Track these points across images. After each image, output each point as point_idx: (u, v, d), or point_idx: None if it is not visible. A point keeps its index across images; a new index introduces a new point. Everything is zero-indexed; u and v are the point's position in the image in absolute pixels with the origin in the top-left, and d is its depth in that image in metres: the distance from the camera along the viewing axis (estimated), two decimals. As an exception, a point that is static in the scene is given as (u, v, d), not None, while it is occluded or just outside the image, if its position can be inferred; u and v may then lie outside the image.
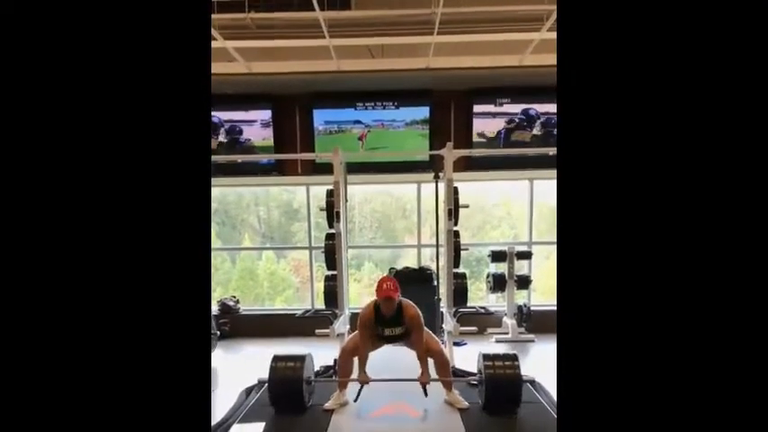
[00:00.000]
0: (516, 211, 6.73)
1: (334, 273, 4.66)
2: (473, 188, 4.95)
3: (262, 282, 6.82)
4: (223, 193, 6.66)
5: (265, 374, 3.45)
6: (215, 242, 6.61)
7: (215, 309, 6.13)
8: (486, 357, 3.46)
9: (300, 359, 3.47)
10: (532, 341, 5.76)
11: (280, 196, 6.71)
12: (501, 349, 5.53)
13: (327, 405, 3.43)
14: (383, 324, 3.40)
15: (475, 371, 3.86)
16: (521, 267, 6.06)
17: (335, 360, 4.25)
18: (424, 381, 3.33)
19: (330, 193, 4.65)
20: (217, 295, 6.49)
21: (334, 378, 4.03)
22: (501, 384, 3.33)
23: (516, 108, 5.73)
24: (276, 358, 3.48)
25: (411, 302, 3.51)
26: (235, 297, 6.38)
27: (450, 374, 3.59)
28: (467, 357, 4.67)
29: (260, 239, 6.94)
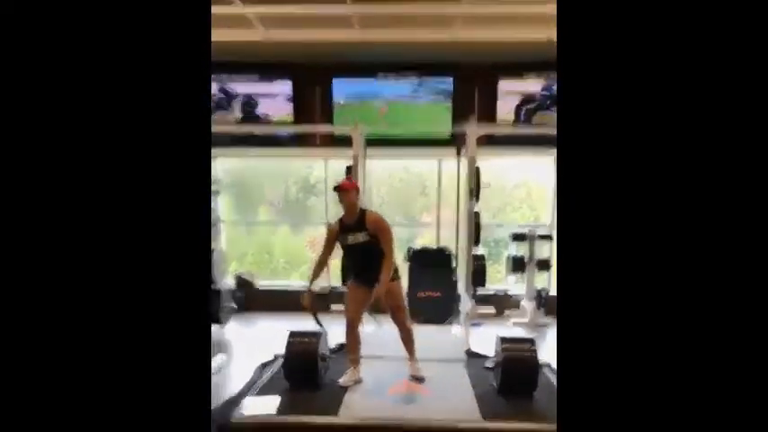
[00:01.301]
0: (536, 193, 6.57)
1: (352, 249, 4.60)
2: (494, 167, 4.79)
3: (278, 256, 6.79)
4: (239, 167, 6.59)
5: (281, 350, 3.43)
6: (230, 215, 6.57)
7: (231, 283, 6.13)
8: (503, 340, 3.38)
9: (316, 336, 3.45)
10: (548, 325, 5.65)
11: (297, 172, 6.64)
12: (519, 333, 5.51)
13: (342, 381, 3.41)
14: (345, 232, 3.31)
15: (489, 354, 3.82)
16: (541, 251, 5.93)
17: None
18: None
19: (349, 169, 4.57)
20: (232, 269, 6.47)
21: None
22: (518, 368, 3.25)
23: (538, 86, 5.54)
24: (292, 334, 3.45)
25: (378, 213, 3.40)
26: (251, 272, 6.37)
27: (413, 345, 3.54)
28: (485, 340, 4.60)
29: (275, 213, 6.88)
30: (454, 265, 5.59)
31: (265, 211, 6.81)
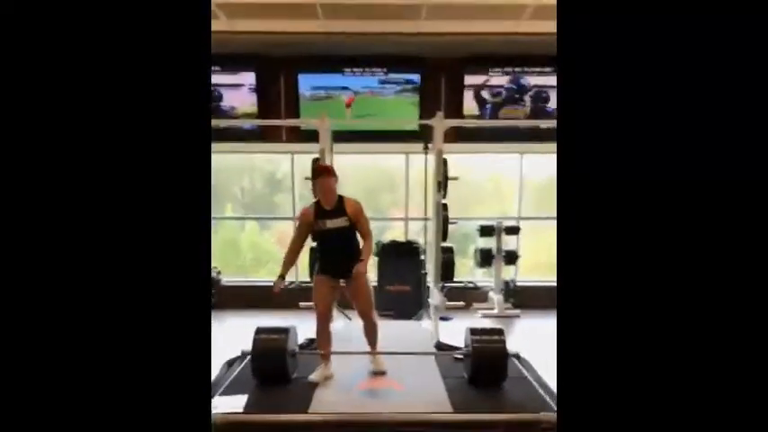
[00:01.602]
0: (504, 188, 6.65)
1: (320, 244, 4.55)
2: (462, 162, 4.83)
3: (245, 253, 6.69)
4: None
5: (248, 346, 3.35)
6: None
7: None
8: (473, 332, 3.39)
9: (284, 331, 3.37)
10: (518, 317, 5.74)
11: (263, 167, 6.54)
12: (487, 325, 5.56)
13: (312, 377, 3.35)
14: (323, 216, 3.24)
15: (460, 346, 3.81)
16: (507, 243, 6.00)
17: (319, 333, 4.16)
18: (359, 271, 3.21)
19: (315, 162, 4.51)
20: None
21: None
22: (487, 358, 3.27)
23: (505, 80, 5.59)
24: (259, 330, 3.37)
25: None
26: (216, 268, 6.23)
27: (376, 338, 3.50)
28: (453, 333, 4.62)
29: (243, 210, 6.77)
30: (423, 257, 5.60)
31: (231, 207, 6.70)
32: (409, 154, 6.02)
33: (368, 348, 3.54)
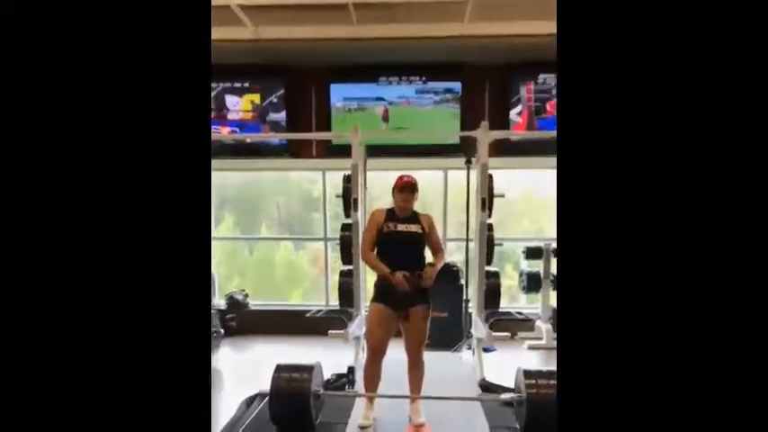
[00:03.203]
0: (538, 205, 6.24)
1: (350, 268, 4.18)
2: (499, 177, 4.43)
3: (279, 272, 6.53)
4: (240, 181, 6.23)
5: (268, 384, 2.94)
6: (233, 231, 6.36)
7: (222, 303, 5.68)
8: (527, 374, 2.90)
9: (307, 370, 2.96)
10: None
11: (300, 185, 6.34)
12: (534, 357, 5.04)
13: (361, 423, 2.98)
14: (395, 220, 3.02)
15: (507, 384, 3.36)
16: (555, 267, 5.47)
17: (350, 368, 3.75)
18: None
19: (347, 179, 4.16)
20: (234, 285, 6.12)
21: (348, 391, 3.52)
22: (544, 407, 2.76)
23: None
24: (279, 368, 2.97)
25: None
26: (244, 291, 5.90)
27: (421, 381, 3.07)
28: (497, 366, 4.13)
29: (278, 229, 6.57)
30: (462, 282, 5.15)
31: (267, 226, 6.52)
32: (448, 170, 5.62)
33: (406, 387, 3.09)
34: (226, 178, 6.03)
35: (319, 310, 4.36)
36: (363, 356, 3.54)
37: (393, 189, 3.06)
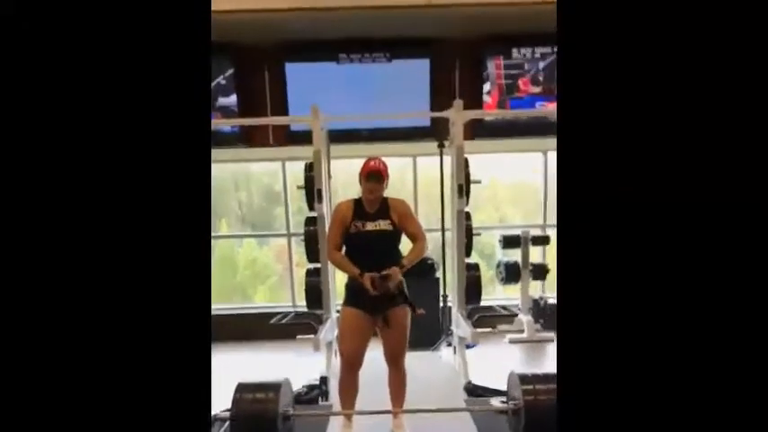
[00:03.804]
0: (502, 192, 6.09)
1: (317, 266, 3.81)
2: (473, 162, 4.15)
3: (242, 270, 6.18)
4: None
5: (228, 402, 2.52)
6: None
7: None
8: (523, 379, 2.58)
9: (274, 388, 2.54)
10: (552, 341, 4.91)
11: (260, 179, 6.00)
12: (516, 351, 4.79)
13: None
14: (363, 217, 2.58)
15: (494, 386, 3.14)
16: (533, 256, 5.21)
17: (322, 378, 3.38)
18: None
19: (309, 167, 3.76)
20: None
21: (321, 406, 3.15)
22: (544, 415, 2.45)
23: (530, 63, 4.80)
24: (241, 388, 2.55)
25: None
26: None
27: (404, 393, 2.77)
28: (481, 363, 3.85)
29: (240, 225, 6.18)
30: (438, 275, 4.86)
31: (227, 223, 6.13)
32: (417, 156, 5.32)
33: (385, 398, 2.75)
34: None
35: (284, 315, 3.96)
36: (337, 362, 3.19)
37: (359, 176, 2.62)
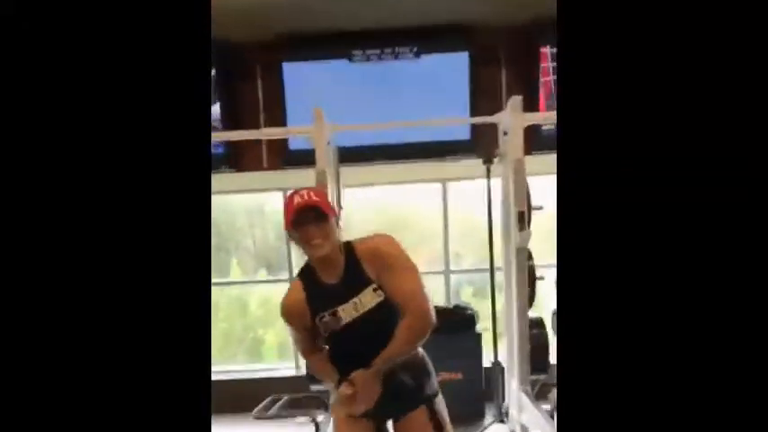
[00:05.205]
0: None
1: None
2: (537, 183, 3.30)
3: (255, 310, 5.75)
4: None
5: None
6: None
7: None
8: None
9: None
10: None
11: (274, 217, 5.50)
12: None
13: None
14: (329, 302, 1.70)
15: None
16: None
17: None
18: None
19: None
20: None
21: None
22: None
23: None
24: None
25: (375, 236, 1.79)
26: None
27: None
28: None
29: (254, 262, 5.72)
30: (479, 329, 4.14)
31: (239, 262, 5.71)
32: (447, 181, 4.57)
33: None
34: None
35: (274, 400, 3.00)
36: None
37: (285, 226, 1.69)
